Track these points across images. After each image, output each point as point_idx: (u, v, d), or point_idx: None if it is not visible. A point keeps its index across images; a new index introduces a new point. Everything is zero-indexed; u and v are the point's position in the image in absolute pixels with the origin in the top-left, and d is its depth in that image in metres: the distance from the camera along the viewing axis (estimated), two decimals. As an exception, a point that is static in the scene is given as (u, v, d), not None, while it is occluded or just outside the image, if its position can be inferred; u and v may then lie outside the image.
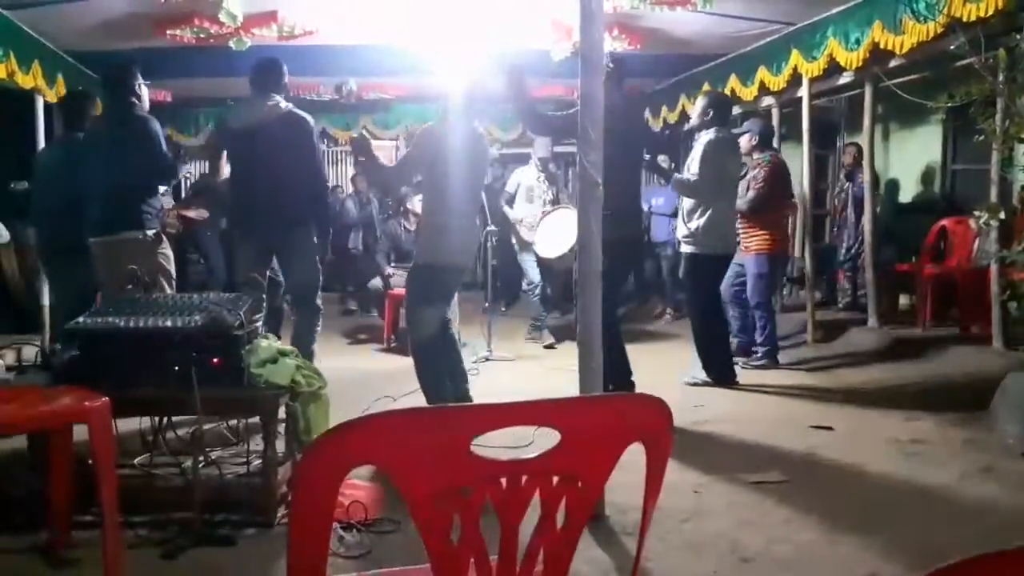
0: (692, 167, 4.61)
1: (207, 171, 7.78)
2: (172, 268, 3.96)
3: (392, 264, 6.57)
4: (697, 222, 4.57)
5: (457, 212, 3.60)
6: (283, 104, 3.89)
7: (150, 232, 3.77)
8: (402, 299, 6.11)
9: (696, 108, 4.85)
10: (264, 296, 3.78)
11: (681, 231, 4.77)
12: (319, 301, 4.08)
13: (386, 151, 10.57)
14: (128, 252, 3.63)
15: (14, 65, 4.72)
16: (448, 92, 3.84)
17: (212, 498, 2.59)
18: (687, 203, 4.67)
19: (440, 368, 3.74)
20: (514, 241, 6.39)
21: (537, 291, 6.29)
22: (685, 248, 4.75)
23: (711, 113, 4.64)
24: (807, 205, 6.28)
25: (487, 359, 5.61)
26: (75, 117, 4.20)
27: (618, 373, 3.95)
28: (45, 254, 4.30)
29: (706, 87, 6.48)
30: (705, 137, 4.63)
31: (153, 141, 3.73)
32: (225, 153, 4.16)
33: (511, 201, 6.31)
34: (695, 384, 4.67)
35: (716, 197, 4.55)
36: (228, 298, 2.83)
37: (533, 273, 6.25)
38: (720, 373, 4.69)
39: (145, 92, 3.90)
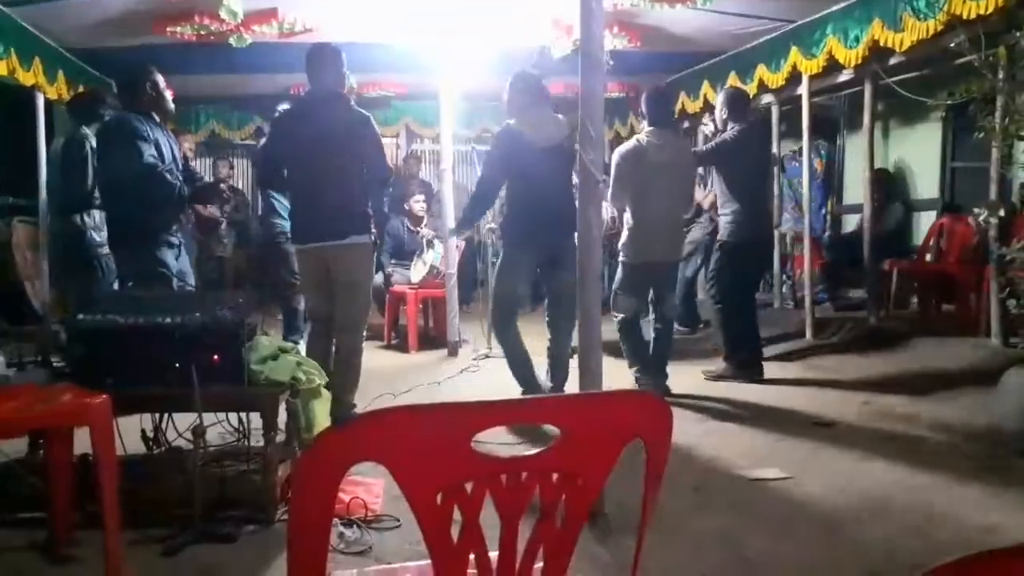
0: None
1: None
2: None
3: (393, 262, 6.58)
4: (727, 211, 4.72)
5: (655, 216, 4.26)
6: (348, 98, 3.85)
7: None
8: (402, 296, 6.19)
9: (716, 109, 4.98)
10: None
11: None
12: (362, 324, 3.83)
13: (384, 149, 10.57)
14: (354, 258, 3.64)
15: (15, 62, 4.72)
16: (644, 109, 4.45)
17: (213, 495, 2.59)
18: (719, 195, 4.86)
19: (641, 338, 4.42)
20: None
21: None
22: (720, 236, 4.86)
23: (727, 111, 4.75)
24: (807, 203, 6.27)
25: (487, 356, 5.62)
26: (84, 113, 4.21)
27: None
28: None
29: (730, 80, 6.39)
30: (730, 132, 4.75)
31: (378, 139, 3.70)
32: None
33: None
34: (716, 378, 4.76)
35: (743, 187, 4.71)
36: (228, 295, 2.83)
37: None
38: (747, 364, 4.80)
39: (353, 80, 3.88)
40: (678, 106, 7.32)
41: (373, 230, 3.84)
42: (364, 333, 3.88)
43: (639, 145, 4.29)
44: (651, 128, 4.36)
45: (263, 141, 4.68)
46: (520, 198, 4.07)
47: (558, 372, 4.14)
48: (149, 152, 3.47)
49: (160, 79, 3.72)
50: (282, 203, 4.83)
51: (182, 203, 3.78)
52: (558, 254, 3.88)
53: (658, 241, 4.27)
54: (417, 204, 6.96)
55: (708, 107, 7.11)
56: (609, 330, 4.06)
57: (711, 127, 5.38)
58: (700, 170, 5.16)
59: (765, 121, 6.62)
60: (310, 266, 3.72)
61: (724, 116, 4.77)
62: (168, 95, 3.75)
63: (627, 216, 4.36)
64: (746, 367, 4.72)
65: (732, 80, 6.36)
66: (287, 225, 4.35)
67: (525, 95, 4.04)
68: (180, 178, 3.63)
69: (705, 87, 6.84)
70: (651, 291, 4.46)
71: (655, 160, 4.23)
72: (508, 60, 6.18)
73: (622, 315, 4.33)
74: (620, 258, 4.43)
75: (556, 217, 3.83)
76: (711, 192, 5.52)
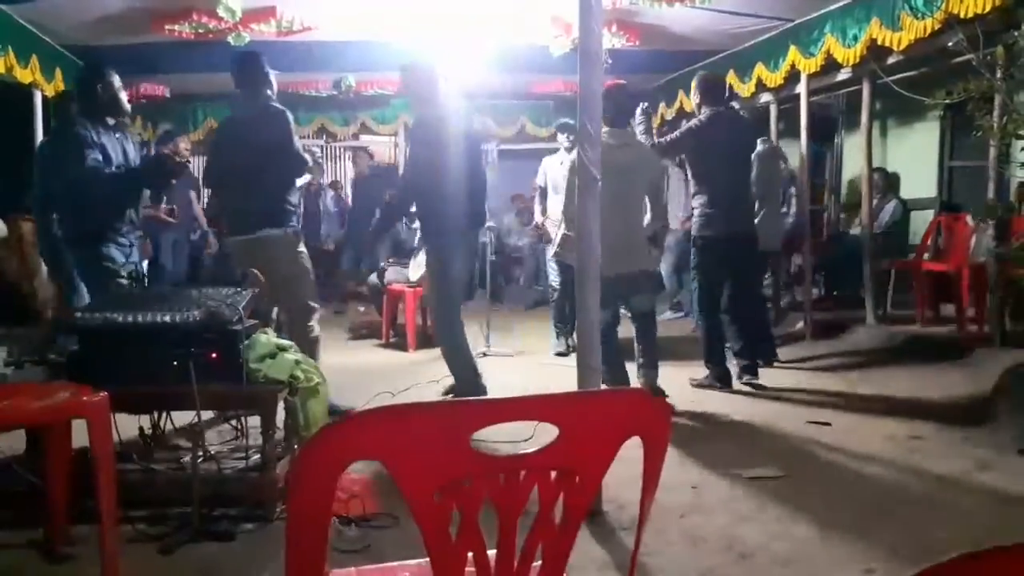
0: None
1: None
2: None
3: (390, 260, 6.58)
4: (696, 204, 4.53)
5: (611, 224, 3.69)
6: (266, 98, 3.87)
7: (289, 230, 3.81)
8: (400, 294, 6.18)
9: (691, 95, 4.87)
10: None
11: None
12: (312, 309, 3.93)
13: (384, 147, 10.58)
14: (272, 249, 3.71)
15: (12, 60, 4.72)
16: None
17: (211, 493, 2.59)
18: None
19: (615, 349, 4.04)
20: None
21: (555, 297, 5.74)
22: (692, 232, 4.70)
23: (700, 96, 4.57)
24: (805, 201, 6.28)
25: (485, 355, 5.62)
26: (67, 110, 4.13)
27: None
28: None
29: (729, 79, 6.32)
30: (695, 119, 4.62)
31: (290, 133, 3.76)
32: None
33: (543, 194, 5.90)
34: (699, 386, 4.57)
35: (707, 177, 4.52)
36: (227, 293, 2.83)
37: (553, 276, 5.73)
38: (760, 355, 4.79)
39: (274, 81, 3.90)
40: (676, 105, 7.33)
41: (293, 223, 3.89)
42: (314, 321, 3.90)
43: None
44: (609, 129, 3.87)
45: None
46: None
47: None
48: (92, 156, 3.55)
49: (115, 80, 3.81)
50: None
51: (129, 202, 3.82)
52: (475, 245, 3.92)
53: (615, 252, 3.63)
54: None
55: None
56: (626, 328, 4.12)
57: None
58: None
59: (754, 113, 6.63)
60: (240, 260, 3.81)
61: (697, 101, 4.58)
62: (123, 96, 3.85)
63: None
64: (723, 376, 4.47)
65: (731, 79, 6.36)
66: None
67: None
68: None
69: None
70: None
71: (612, 163, 3.74)
72: (506, 58, 6.19)
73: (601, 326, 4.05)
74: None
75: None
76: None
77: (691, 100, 4.67)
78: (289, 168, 3.85)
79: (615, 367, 4.00)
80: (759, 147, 4.99)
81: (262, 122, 3.76)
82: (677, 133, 4.61)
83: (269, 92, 3.84)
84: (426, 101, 3.97)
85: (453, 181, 3.85)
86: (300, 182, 4.20)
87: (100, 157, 3.58)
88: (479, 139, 3.89)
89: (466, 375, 4.01)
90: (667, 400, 3.79)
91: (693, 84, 4.68)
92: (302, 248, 3.92)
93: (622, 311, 4.29)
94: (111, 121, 3.75)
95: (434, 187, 3.89)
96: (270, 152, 3.71)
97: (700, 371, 4.61)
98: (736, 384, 4.51)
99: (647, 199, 4.17)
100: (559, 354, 5.65)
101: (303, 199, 8.84)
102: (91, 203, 3.58)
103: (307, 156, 3.94)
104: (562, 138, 5.65)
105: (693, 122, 4.55)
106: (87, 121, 3.65)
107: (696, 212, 4.51)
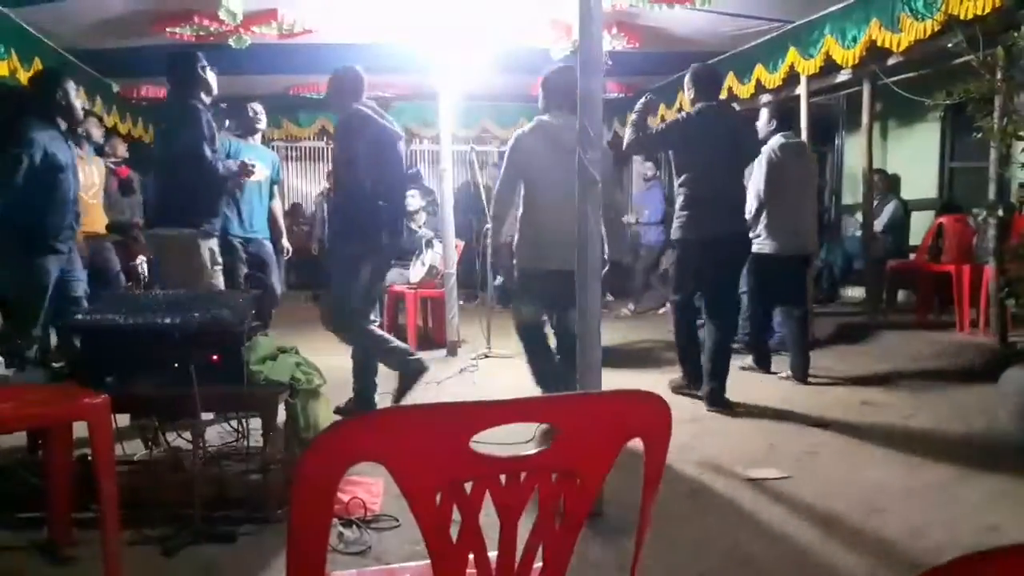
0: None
1: None
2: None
3: (392, 262, 6.57)
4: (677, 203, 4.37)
5: (552, 217, 3.49)
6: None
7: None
8: (401, 296, 6.19)
9: (761, 120, 4.84)
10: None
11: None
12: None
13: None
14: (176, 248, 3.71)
15: (16, 63, 4.73)
16: (542, 92, 3.79)
17: (212, 495, 2.59)
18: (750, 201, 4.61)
19: (544, 346, 3.82)
20: None
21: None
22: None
23: (694, 90, 4.27)
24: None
25: (486, 356, 5.62)
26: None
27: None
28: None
29: (728, 80, 6.28)
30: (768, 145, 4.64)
31: (200, 132, 3.73)
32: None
33: None
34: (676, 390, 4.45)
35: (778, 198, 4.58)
36: (227, 295, 2.83)
37: None
38: (762, 361, 4.94)
39: (213, 80, 3.91)
40: (676, 106, 7.33)
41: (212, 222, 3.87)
42: None
43: (538, 128, 3.64)
44: (552, 111, 3.68)
45: None
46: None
47: None
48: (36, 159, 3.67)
49: (71, 87, 3.91)
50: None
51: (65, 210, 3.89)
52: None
53: (555, 246, 3.39)
54: (413, 199, 6.97)
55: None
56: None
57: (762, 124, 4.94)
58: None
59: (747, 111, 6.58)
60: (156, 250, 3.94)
61: (691, 96, 4.27)
62: (77, 104, 3.97)
63: (518, 215, 3.74)
64: (697, 378, 4.26)
65: (730, 80, 6.37)
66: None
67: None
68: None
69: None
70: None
71: (555, 147, 3.48)
72: (507, 61, 6.19)
73: (522, 325, 3.77)
74: (515, 262, 3.78)
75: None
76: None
77: (686, 95, 4.45)
78: (194, 170, 3.75)
79: (546, 379, 3.72)
80: (780, 141, 4.71)
81: (177, 121, 3.75)
82: (663, 125, 4.41)
83: (203, 93, 3.80)
84: (342, 107, 3.93)
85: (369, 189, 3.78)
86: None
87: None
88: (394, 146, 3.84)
89: (377, 354, 3.92)
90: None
91: (687, 77, 4.44)
92: (205, 251, 3.80)
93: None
94: (63, 126, 3.88)
95: (351, 193, 3.83)
96: (178, 151, 3.71)
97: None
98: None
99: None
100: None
101: (324, 203, 8.91)
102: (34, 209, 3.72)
103: (220, 167, 3.84)
104: None
105: (680, 115, 4.43)
106: (39, 124, 3.77)
107: (676, 211, 4.27)
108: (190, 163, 3.70)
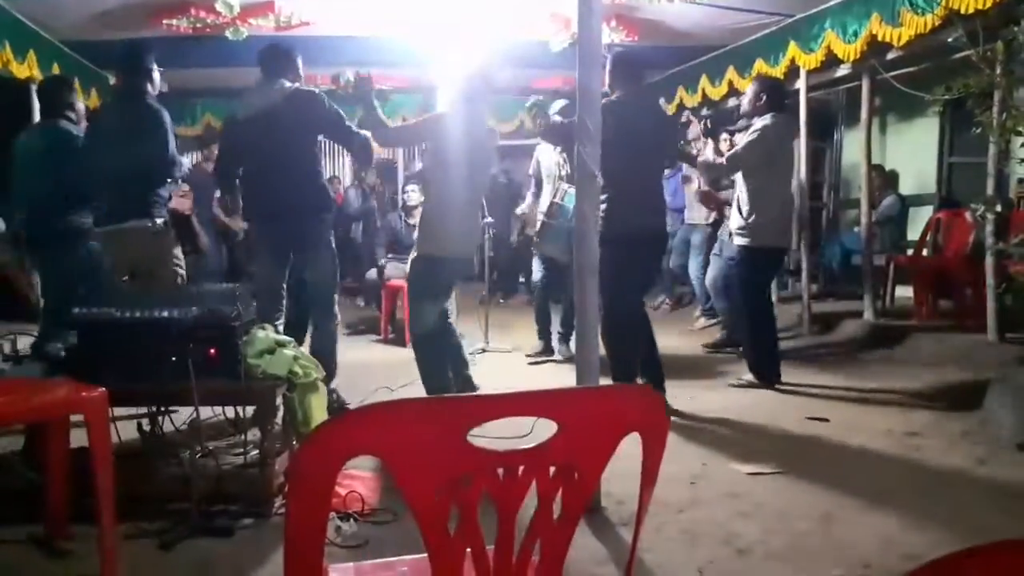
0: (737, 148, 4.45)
1: (198, 161, 7.74)
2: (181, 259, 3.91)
3: (388, 256, 6.58)
4: (752, 213, 4.35)
5: (458, 202, 3.56)
6: (288, 84, 3.71)
7: (158, 221, 3.73)
8: (399, 290, 6.18)
9: (747, 95, 4.58)
10: (281, 306, 3.76)
11: (735, 222, 4.50)
12: (336, 308, 3.84)
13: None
14: (135, 242, 3.64)
15: (9, 55, 4.71)
16: (456, 79, 3.75)
17: (209, 489, 2.59)
18: (742, 194, 4.45)
19: (441, 359, 3.76)
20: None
21: (537, 294, 5.51)
22: (738, 240, 4.48)
23: (763, 98, 4.38)
24: (804, 197, 6.27)
25: (484, 351, 5.62)
26: (53, 104, 4.07)
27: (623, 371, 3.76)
28: (32, 244, 4.22)
29: (757, 67, 6.12)
30: (760, 123, 4.39)
31: (165, 131, 3.70)
32: (222, 144, 4.01)
33: (539, 182, 5.53)
34: (741, 386, 4.45)
35: (768, 184, 4.34)
36: (225, 288, 2.83)
37: (537, 271, 5.45)
38: (768, 373, 4.45)
39: (158, 78, 3.86)
40: (676, 101, 7.32)
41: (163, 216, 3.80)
42: None
43: (448, 112, 3.69)
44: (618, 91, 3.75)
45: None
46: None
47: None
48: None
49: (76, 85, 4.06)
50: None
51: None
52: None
53: (457, 229, 3.54)
54: (413, 194, 6.96)
55: (706, 101, 7.12)
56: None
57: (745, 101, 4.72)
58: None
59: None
60: (108, 247, 3.76)
61: (608, 82, 3.92)
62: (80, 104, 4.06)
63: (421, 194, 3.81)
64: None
65: (731, 74, 6.36)
66: None
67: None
68: None
69: (703, 82, 6.84)
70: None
71: (460, 130, 3.57)
72: (506, 54, 6.17)
73: (424, 330, 3.66)
74: (413, 252, 3.75)
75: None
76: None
77: (746, 99, 4.45)
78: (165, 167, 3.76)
79: (442, 376, 3.72)
80: (765, 122, 4.47)
81: (149, 120, 3.67)
82: (739, 153, 4.35)
83: (149, 86, 3.75)
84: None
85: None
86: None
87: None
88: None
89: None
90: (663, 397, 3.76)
91: (752, 86, 4.45)
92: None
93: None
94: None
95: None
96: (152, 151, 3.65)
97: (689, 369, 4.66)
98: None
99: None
100: (534, 356, 5.40)
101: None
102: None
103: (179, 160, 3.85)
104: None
105: (762, 131, 4.31)
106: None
107: (754, 220, 4.29)
108: (161, 162, 3.68)
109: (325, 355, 3.47)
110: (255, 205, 3.84)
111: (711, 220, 6.23)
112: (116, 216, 3.68)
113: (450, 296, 3.91)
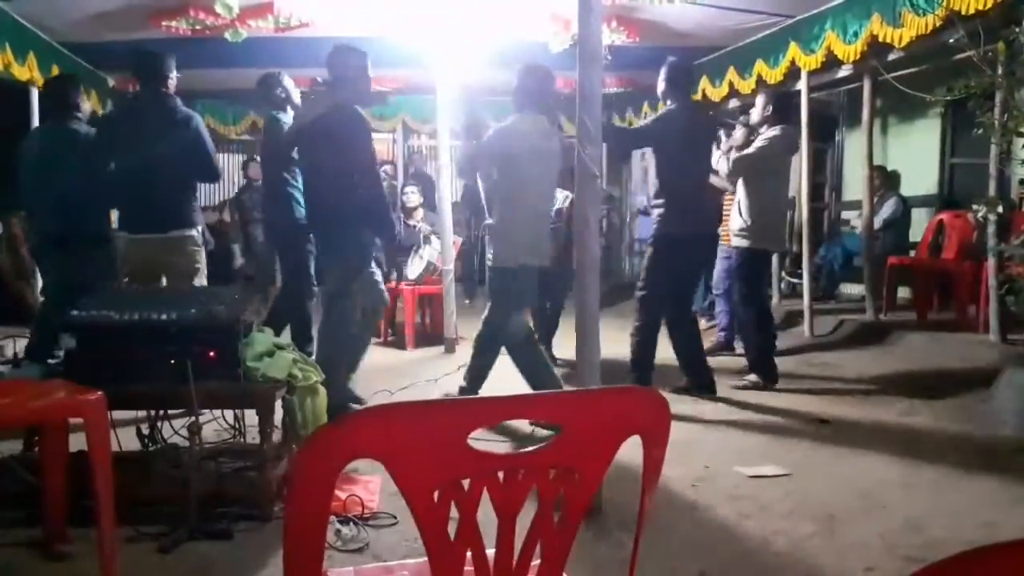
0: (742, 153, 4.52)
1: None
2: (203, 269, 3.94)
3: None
4: (750, 216, 4.41)
5: (526, 213, 3.66)
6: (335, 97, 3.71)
7: (198, 231, 3.80)
8: (399, 293, 6.17)
9: (757, 106, 4.63)
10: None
11: (735, 224, 4.54)
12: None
13: (382, 144, 10.56)
14: (174, 251, 3.70)
15: (10, 57, 4.71)
16: (518, 88, 3.84)
17: (209, 492, 2.58)
18: (741, 197, 4.50)
19: (542, 358, 3.87)
20: None
21: None
22: (737, 242, 4.53)
23: (771, 109, 4.48)
24: (805, 199, 6.27)
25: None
26: (63, 103, 4.07)
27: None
28: (40, 247, 4.24)
29: (729, 75, 6.32)
30: (771, 132, 4.47)
31: (205, 141, 3.75)
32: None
33: None
34: (744, 387, 4.47)
35: (769, 189, 4.42)
36: (224, 291, 2.82)
37: None
38: (767, 374, 4.49)
39: (173, 84, 3.86)
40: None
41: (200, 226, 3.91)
42: None
43: (512, 128, 3.75)
44: (518, 115, 3.81)
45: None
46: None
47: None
48: None
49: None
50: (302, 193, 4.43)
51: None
52: None
53: (531, 240, 3.65)
54: (413, 195, 6.96)
55: (706, 102, 7.12)
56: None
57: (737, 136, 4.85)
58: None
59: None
60: (137, 256, 3.77)
61: (661, 88, 4.35)
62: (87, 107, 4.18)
63: (495, 212, 3.84)
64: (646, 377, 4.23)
65: (731, 75, 6.35)
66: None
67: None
68: None
69: (704, 83, 6.83)
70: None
71: (525, 147, 3.65)
72: (506, 55, 6.17)
73: (516, 339, 3.77)
74: (489, 263, 3.84)
75: None
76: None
77: (756, 110, 4.52)
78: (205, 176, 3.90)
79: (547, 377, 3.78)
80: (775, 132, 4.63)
81: (178, 121, 3.71)
82: (645, 123, 4.47)
83: (164, 90, 3.77)
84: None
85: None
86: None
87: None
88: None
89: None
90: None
91: (761, 98, 4.52)
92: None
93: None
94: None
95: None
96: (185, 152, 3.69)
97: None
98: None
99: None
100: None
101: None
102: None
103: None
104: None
105: (771, 140, 4.39)
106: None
107: (754, 222, 4.36)
108: (204, 169, 3.77)
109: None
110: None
111: None
112: (153, 225, 3.68)
113: (531, 303, 3.99)
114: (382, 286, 4.06)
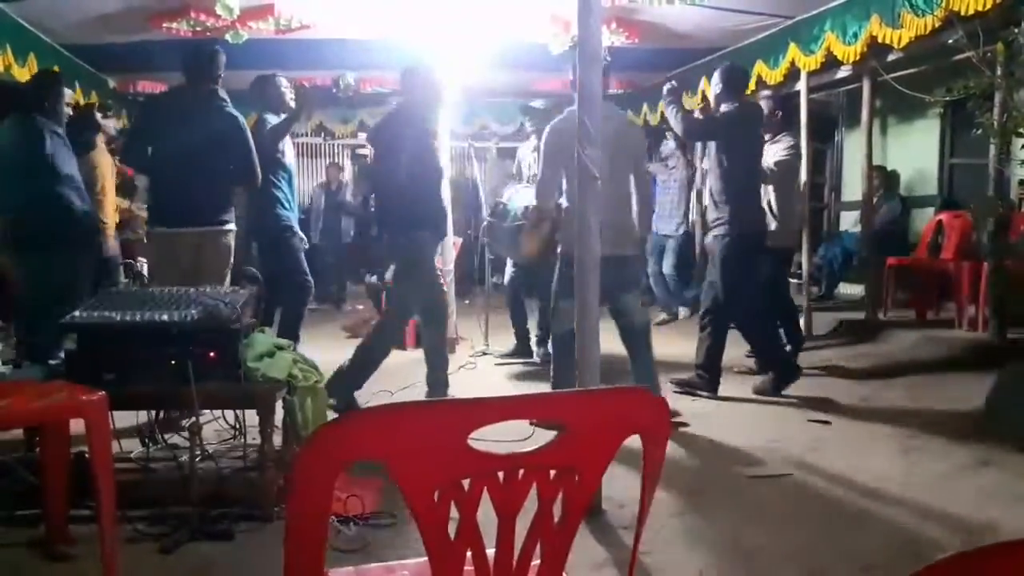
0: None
1: None
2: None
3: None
4: (728, 202, 4.21)
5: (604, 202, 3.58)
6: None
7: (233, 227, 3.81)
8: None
9: (712, 86, 4.46)
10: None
11: (711, 215, 4.36)
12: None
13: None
14: (210, 247, 3.70)
15: (10, 58, 4.71)
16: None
17: (209, 492, 2.59)
18: (715, 185, 4.30)
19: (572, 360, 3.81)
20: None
21: (508, 293, 5.49)
22: (718, 232, 4.27)
23: (721, 87, 4.29)
24: (805, 198, 6.26)
25: (484, 353, 5.61)
26: (42, 100, 4.00)
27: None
28: (12, 245, 3.99)
29: (757, 69, 6.07)
30: (726, 108, 4.30)
31: (248, 141, 3.75)
32: None
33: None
34: (742, 373, 4.60)
35: (738, 171, 4.23)
36: (224, 291, 2.82)
37: (509, 268, 5.42)
38: (785, 371, 4.33)
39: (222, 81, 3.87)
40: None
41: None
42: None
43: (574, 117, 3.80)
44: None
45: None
46: None
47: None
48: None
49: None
50: (286, 195, 4.52)
51: None
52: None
53: (603, 230, 3.62)
54: None
55: (706, 103, 7.13)
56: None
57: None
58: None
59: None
60: (171, 250, 3.74)
61: (717, 92, 4.30)
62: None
63: (563, 201, 3.79)
64: (713, 381, 4.29)
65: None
66: (292, 217, 4.50)
67: None
68: None
69: (703, 84, 6.83)
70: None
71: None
72: (506, 56, 6.18)
73: (563, 329, 3.55)
74: (558, 250, 3.75)
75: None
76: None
77: (711, 91, 4.41)
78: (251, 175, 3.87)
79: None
80: (791, 140, 4.73)
81: (215, 120, 3.71)
82: (714, 116, 4.35)
83: (213, 85, 3.77)
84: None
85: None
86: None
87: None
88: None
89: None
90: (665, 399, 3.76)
91: (715, 76, 4.39)
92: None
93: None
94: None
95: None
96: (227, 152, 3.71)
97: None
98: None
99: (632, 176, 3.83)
100: (504, 356, 5.43)
101: (323, 195, 9.02)
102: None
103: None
104: (528, 124, 5.58)
105: (726, 110, 4.26)
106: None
107: (730, 209, 4.19)
108: (246, 171, 3.76)
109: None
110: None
111: (681, 231, 6.97)
112: (190, 218, 3.67)
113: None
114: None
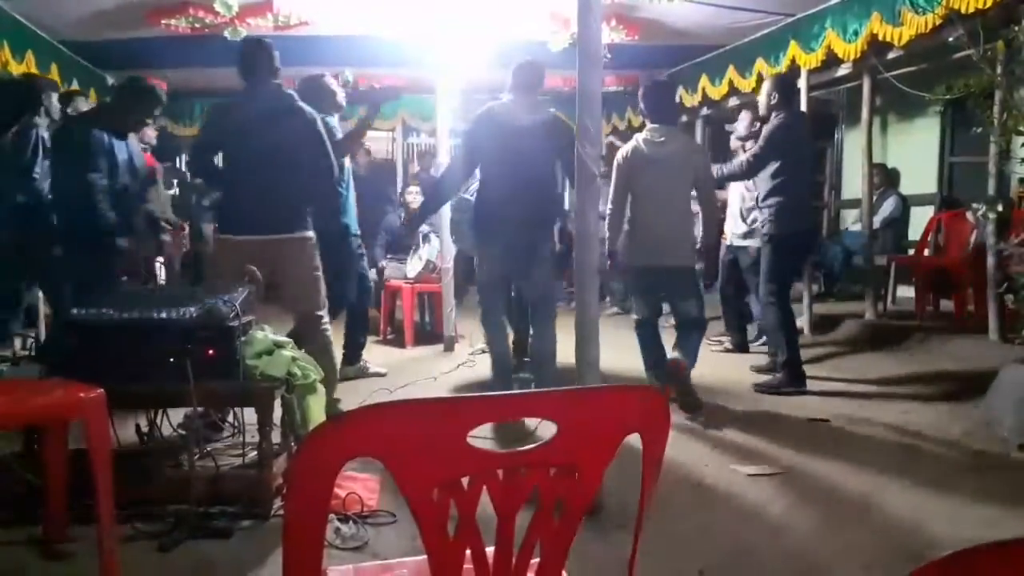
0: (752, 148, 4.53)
1: None
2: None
3: (388, 257, 6.57)
4: (771, 204, 4.35)
5: (649, 215, 3.97)
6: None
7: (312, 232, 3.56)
8: (398, 291, 6.17)
9: (761, 96, 4.50)
10: None
11: (753, 216, 4.65)
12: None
13: (382, 143, 10.56)
14: (291, 253, 3.45)
15: (8, 55, 4.70)
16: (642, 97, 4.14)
17: (208, 490, 2.58)
18: (761, 188, 4.45)
19: (653, 341, 4.20)
20: None
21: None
22: (767, 231, 4.41)
23: (776, 97, 4.36)
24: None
25: (483, 351, 5.60)
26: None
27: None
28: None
29: (729, 74, 6.41)
30: (775, 120, 4.36)
31: (326, 144, 3.51)
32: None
33: None
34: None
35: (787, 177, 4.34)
36: (223, 289, 2.81)
37: None
38: (794, 376, 4.39)
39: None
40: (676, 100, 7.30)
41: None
42: (326, 325, 3.63)
43: (638, 146, 4.01)
44: (653, 125, 4.04)
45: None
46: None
47: (543, 372, 4.00)
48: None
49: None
50: (345, 198, 4.32)
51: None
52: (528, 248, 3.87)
53: (657, 244, 3.94)
54: (414, 195, 6.95)
55: (706, 101, 7.13)
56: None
57: (742, 126, 5.00)
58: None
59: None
60: (241, 259, 3.38)
61: (773, 102, 4.36)
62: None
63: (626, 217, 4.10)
64: (798, 376, 4.37)
65: (731, 74, 6.35)
66: (352, 222, 4.37)
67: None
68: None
69: (703, 81, 6.83)
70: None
71: (654, 157, 3.95)
72: (505, 53, 6.16)
73: (636, 317, 4.21)
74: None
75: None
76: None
77: (761, 102, 4.47)
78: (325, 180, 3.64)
79: (657, 362, 4.10)
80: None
81: (310, 129, 3.46)
82: (756, 152, 4.39)
83: (277, 81, 3.52)
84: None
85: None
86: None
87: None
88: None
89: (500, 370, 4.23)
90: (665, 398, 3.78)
91: (765, 85, 4.48)
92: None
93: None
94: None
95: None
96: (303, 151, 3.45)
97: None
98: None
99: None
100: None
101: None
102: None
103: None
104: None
105: (776, 122, 4.34)
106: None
107: (776, 209, 4.33)
108: (324, 173, 3.51)
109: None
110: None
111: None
112: (268, 226, 3.40)
113: (659, 297, 4.25)
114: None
